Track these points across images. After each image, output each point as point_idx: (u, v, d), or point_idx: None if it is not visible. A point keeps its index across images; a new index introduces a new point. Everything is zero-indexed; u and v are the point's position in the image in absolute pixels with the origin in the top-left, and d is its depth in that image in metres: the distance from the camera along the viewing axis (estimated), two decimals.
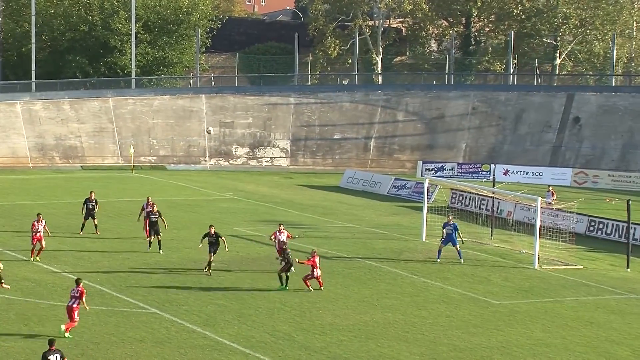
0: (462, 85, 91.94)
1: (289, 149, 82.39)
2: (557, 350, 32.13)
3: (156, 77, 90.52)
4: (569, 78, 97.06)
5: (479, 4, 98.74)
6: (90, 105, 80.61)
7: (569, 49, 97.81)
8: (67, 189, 65.06)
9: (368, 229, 53.23)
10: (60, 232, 46.73)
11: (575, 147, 78.62)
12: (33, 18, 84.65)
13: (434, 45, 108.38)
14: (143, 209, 47.57)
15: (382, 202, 63.92)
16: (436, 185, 62.82)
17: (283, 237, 41.16)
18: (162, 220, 44.34)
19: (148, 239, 44.36)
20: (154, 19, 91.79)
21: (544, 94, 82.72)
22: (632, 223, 48.16)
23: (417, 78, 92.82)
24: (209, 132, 44.08)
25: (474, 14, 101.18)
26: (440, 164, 77.37)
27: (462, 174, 75.69)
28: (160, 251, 43.98)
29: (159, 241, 44.14)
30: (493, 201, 54.28)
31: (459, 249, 44.72)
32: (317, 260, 38.25)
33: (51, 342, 26.06)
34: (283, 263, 38.44)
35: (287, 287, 38.10)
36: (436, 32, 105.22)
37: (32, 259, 41.75)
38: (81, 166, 77.50)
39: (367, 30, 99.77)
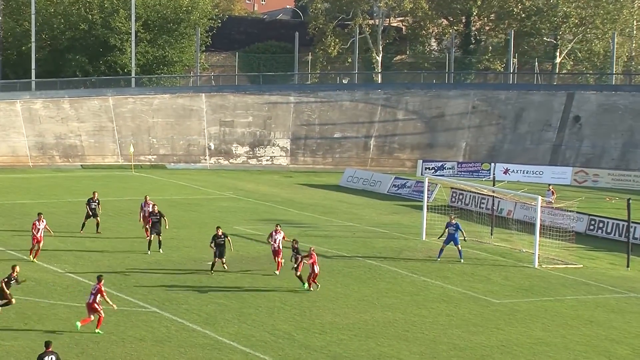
0: (462, 84, 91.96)
1: (289, 148, 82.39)
2: (557, 349, 32.14)
3: (156, 76, 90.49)
4: (569, 77, 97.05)
5: (479, 2, 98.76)
6: (90, 104, 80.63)
7: (569, 48, 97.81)
8: (67, 188, 65.07)
9: (368, 228, 53.23)
10: (61, 231, 46.70)
11: (575, 146, 78.61)
12: (33, 17, 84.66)
13: (434, 44, 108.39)
14: (141, 208, 47.62)
15: (382, 201, 63.92)
16: (436, 184, 62.87)
17: (279, 237, 40.81)
18: (164, 220, 44.26)
19: (148, 238, 44.31)
20: (154, 17, 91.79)
21: (544, 93, 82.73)
22: (632, 222, 48.20)
23: (417, 77, 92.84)
24: (210, 149, 44.45)
25: (474, 13, 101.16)
26: (441, 163, 77.35)
27: (462, 173, 75.69)
28: (160, 250, 43.97)
29: (160, 240, 44.12)
30: (493, 200, 54.30)
31: (460, 248, 44.74)
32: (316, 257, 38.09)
33: (47, 344, 25.95)
34: (295, 264, 38.11)
35: (306, 285, 37.98)
36: (436, 31, 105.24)
37: (31, 257, 41.73)
38: (81, 165, 77.52)
39: (367, 29, 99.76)
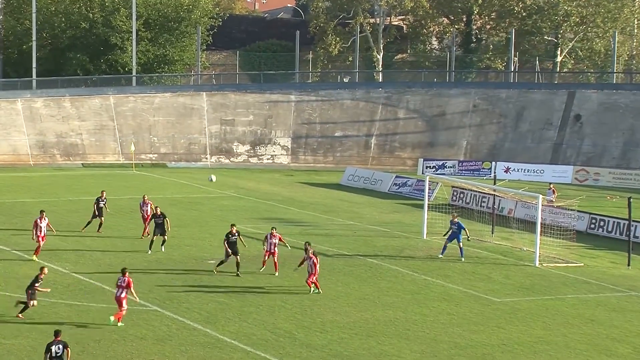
0: (463, 82, 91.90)
1: (289, 147, 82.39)
2: (557, 347, 32.13)
3: (157, 74, 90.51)
4: (570, 75, 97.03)
5: (480, 1, 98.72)
6: (91, 103, 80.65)
7: (570, 47, 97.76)
8: (68, 187, 65.09)
9: (369, 227, 53.23)
10: (61, 229, 46.71)
11: (576, 145, 78.59)
12: (34, 15, 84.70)
13: (434, 42, 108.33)
14: (140, 207, 47.58)
15: (383, 200, 63.91)
16: (437, 183, 62.87)
17: (275, 241, 40.45)
18: (167, 221, 44.23)
19: (150, 236, 44.27)
20: (154, 16, 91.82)
21: (545, 92, 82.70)
22: (633, 221, 48.19)
23: (418, 76, 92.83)
24: (211, 180, 44.56)
25: (475, 12, 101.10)
26: (441, 162, 77.34)
27: (463, 172, 75.68)
28: (162, 248, 43.93)
29: (164, 240, 44.03)
30: (494, 199, 54.30)
31: (461, 246, 44.76)
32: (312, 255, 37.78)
33: (57, 333, 26.50)
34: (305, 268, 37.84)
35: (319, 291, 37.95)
36: (437, 29, 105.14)
37: (35, 257, 41.66)
38: (82, 164, 77.53)
39: (368, 27, 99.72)
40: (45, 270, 33.94)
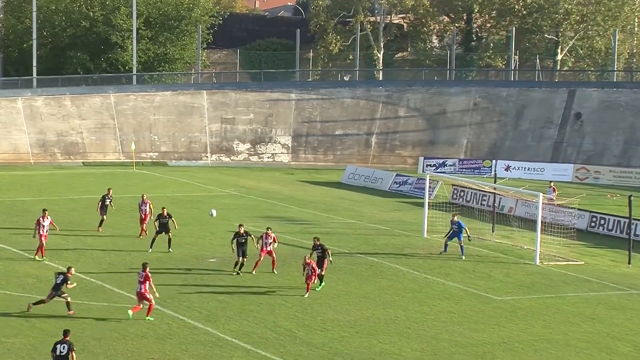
0: (464, 81, 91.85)
1: (290, 145, 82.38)
2: (558, 346, 32.14)
3: (157, 73, 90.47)
4: (570, 74, 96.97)
5: None
6: (92, 102, 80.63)
7: (570, 45, 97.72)
8: (68, 185, 65.09)
9: (369, 225, 53.23)
10: (62, 228, 46.67)
11: (576, 143, 78.58)
12: (34, 14, 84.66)
13: (435, 41, 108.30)
14: (139, 207, 47.52)
15: (384, 198, 63.91)
16: (437, 181, 62.86)
17: (270, 241, 40.30)
18: (173, 221, 44.21)
19: (153, 237, 44.17)
20: (155, 15, 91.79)
21: (545, 90, 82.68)
22: (634, 219, 48.20)
23: (419, 74, 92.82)
24: (212, 215, 44.68)
25: (475, 10, 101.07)
26: (442, 160, 77.34)
27: (464, 170, 75.67)
28: (170, 249, 43.76)
29: (169, 238, 43.95)
30: (494, 197, 54.29)
31: (462, 244, 44.77)
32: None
33: (65, 333, 26.69)
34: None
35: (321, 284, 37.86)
36: (437, 28, 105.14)
37: (37, 257, 41.61)
38: (82, 162, 77.51)
39: (369, 26, 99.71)
40: (72, 270, 33.89)
